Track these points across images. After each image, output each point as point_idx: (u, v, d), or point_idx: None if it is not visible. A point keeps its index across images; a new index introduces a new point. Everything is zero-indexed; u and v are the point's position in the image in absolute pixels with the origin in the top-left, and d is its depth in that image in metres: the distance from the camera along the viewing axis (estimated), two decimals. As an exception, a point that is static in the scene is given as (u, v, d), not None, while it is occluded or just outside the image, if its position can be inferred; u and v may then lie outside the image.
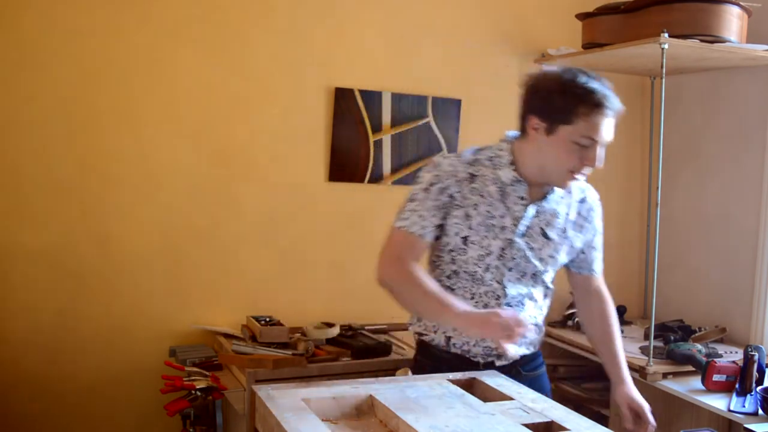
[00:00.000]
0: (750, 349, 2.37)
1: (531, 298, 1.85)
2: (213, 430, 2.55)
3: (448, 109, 3.10)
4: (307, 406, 1.39)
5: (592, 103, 1.67)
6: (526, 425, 1.34)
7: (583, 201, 1.90)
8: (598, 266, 1.98)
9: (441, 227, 1.81)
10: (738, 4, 2.65)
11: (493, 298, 1.81)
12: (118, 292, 2.70)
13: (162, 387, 2.42)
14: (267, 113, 2.86)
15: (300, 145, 2.93)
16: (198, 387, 2.39)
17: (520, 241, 1.80)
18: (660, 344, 2.75)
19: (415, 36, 3.07)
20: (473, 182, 1.79)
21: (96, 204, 2.66)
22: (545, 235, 1.83)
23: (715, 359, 2.47)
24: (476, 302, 1.81)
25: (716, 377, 2.40)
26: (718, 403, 2.32)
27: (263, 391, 1.48)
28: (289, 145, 2.90)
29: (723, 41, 2.64)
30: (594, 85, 1.69)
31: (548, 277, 1.89)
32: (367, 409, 1.43)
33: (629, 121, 3.51)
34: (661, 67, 2.62)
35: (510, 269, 1.81)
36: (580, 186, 1.90)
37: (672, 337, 2.82)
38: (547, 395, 1.76)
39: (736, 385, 2.35)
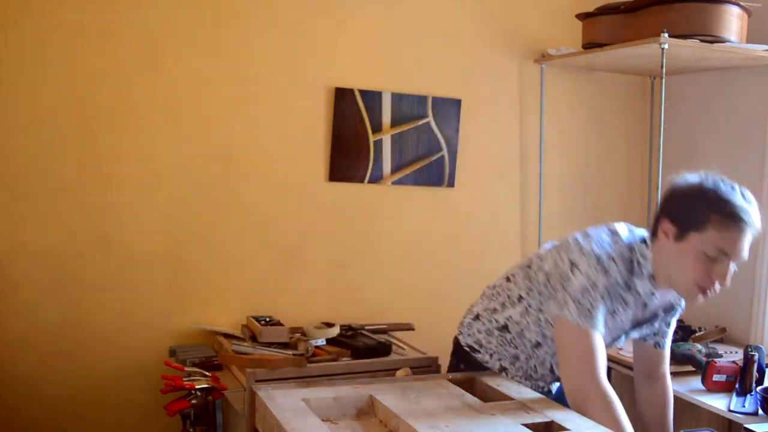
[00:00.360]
0: (750, 349, 2.37)
1: None
2: (213, 430, 2.55)
3: (448, 109, 3.10)
4: (307, 406, 1.39)
5: (728, 213, 1.59)
6: (526, 425, 1.34)
7: None
8: (666, 342, 1.99)
9: None
10: (738, 4, 2.65)
11: (547, 369, 1.89)
12: (118, 292, 2.70)
13: (162, 387, 2.41)
14: (267, 113, 2.86)
15: (300, 145, 2.93)
16: (198, 387, 2.39)
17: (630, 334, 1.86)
18: (660, 344, 2.74)
19: (415, 36, 3.07)
20: (628, 290, 1.73)
21: (96, 204, 2.66)
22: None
23: (715, 359, 2.47)
24: (552, 359, 1.84)
25: (716, 377, 2.40)
26: (718, 403, 2.32)
27: (263, 391, 1.48)
28: (289, 145, 2.90)
29: (723, 41, 2.64)
30: (734, 196, 1.61)
31: None
32: (367, 409, 1.43)
33: (629, 121, 3.51)
34: (661, 67, 2.62)
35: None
36: None
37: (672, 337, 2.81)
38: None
39: (736, 385, 2.35)
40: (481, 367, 1.88)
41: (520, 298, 1.83)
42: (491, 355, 1.87)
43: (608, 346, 1.77)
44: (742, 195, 1.63)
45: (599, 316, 1.63)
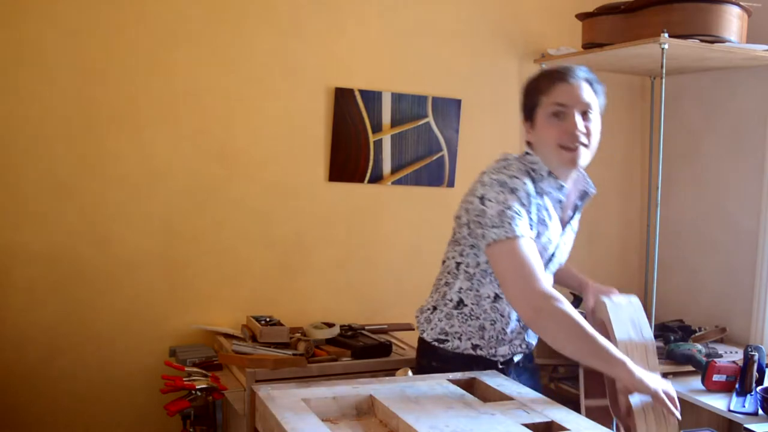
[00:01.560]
0: (750, 349, 2.37)
1: None
2: (213, 430, 2.55)
3: (448, 109, 3.10)
4: (307, 406, 1.39)
5: (550, 74, 1.77)
6: (526, 425, 1.34)
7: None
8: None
9: None
10: (738, 4, 2.65)
11: (515, 323, 1.87)
12: (118, 292, 2.70)
13: (162, 387, 2.41)
14: (267, 113, 2.86)
15: (300, 145, 2.92)
16: (198, 387, 2.39)
17: (565, 234, 1.88)
18: (660, 344, 2.75)
19: (415, 36, 3.07)
20: (538, 195, 1.79)
21: (96, 204, 2.66)
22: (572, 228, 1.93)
23: (715, 359, 2.47)
24: (494, 321, 1.85)
25: (716, 377, 2.40)
26: (718, 403, 2.32)
27: (263, 391, 1.48)
28: (289, 145, 2.90)
29: (723, 41, 2.64)
30: (553, 67, 1.80)
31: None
32: (367, 409, 1.43)
33: (629, 121, 3.51)
34: (661, 67, 2.62)
35: (556, 264, 1.90)
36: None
37: (672, 337, 2.82)
38: (536, 386, 1.86)
39: (736, 385, 2.35)
40: (456, 359, 1.85)
41: (458, 264, 1.85)
42: (459, 338, 1.85)
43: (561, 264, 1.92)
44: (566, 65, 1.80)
45: (520, 223, 1.66)
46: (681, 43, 2.60)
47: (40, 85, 2.56)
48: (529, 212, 1.71)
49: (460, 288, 1.85)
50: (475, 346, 1.85)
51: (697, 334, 2.87)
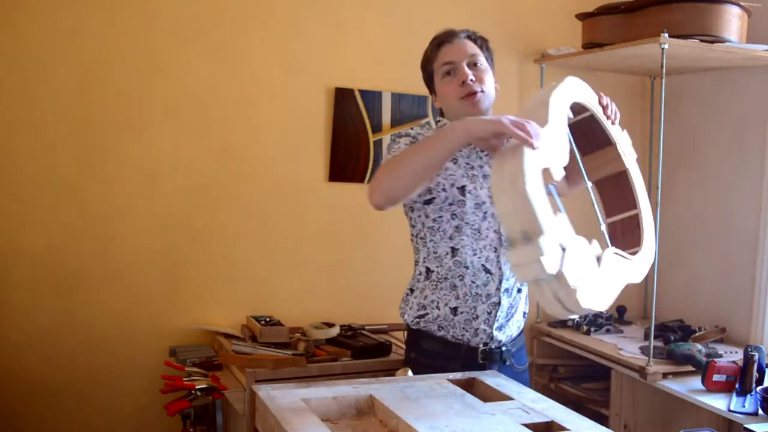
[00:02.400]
0: (750, 349, 2.37)
1: None
2: (213, 430, 2.55)
3: (448, 109, 3.10)
4: (307, 406, 1.39)
5: (436, 43, 1.91)
6: (526, 425, 1.34)
7: None
8: None
9: (428, 190, 1.84)
10: (738, 4, 2.65)
11: (491, 251, 1.85)
12: (118, 292, 2.70)
13: (162, 387, 2.42)
14: (267, 113, 2.86)
15: (300, 145, 2.93)
16: (198, 387, 2.39)
17: None
18: (660, 344, 2.75)
19: (416, 36, 3.05)
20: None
21: (96, 204, 2.66)
22: None
23: (715, 359, 2.47)
24: (478, 257, 1.84)
25: (716, 377, 2.40)
26: (718, 403, 2.32)
27: (263, 391, 1.48)
28: (289, 145, 2.90)
29: (723, 41, 2.64)
30: (438, 33, 1.93)
31: None
32: (367, 409, 1.43)
33: (629, 121, 3.50)
34: (661, 67, 2.62)
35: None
36: None
37: (672, 337, 2.82)
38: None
39: (736, 385, 2.35)
40: (440, 342, 1.87)
41: (414, 237, 1.95)
42: (437, 306, 1.87)
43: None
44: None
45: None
46: (681, 43, 2.60)
47: (40, 85, 2.56)
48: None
49: (423, 258, 1.91)
50: (454, 309, 1.86)
51: (697, 334, 2.87)
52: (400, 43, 3.04)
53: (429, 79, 1.95)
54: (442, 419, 1.33)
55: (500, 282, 1.87)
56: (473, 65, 1.86)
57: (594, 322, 3.06)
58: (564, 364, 3.17)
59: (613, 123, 1.81)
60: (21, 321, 2.59)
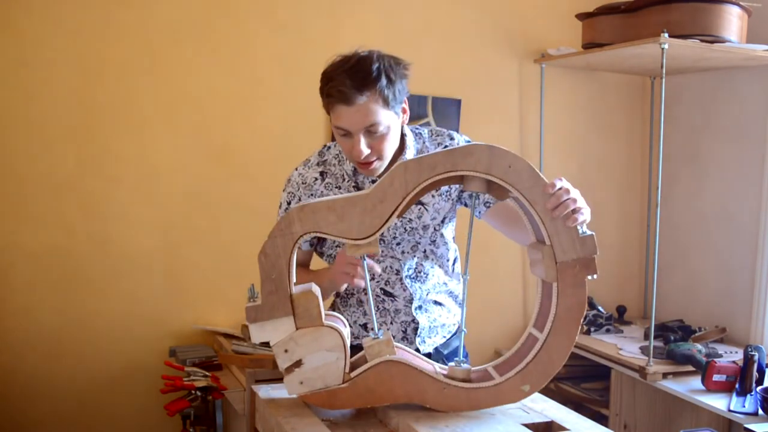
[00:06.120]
0: (750, 349, 2.37)
1: (431, 271, 1.81)
2: (213, 430, 2.55)
3: (448, 109, 3.10)
4: (307, 406, 1.39)
5: (330, 96, 1.58)
6: (526, 425, 1.34)
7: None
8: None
9: (320, 240, 1.78)
10: (738, 4, 2.65)
11: (393, 273, 1.77)
12: (118, 292, 2.70)
13: (162, 387, 2.42)
14: (267, 113, 2.86)
15: (300, 145, 2.92)
16: (198, 387, 2.39)
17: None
18: (660, 344, 2.75)
19: (415, 36, 3.07)
20: (325, 179, 1.75)
21: (96, 204, 2.66)
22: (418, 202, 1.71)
23: (715, 359, 2.47)
24: (376, 282, 1.77)
25: (716, 377, 2.40)
26: (718, 403, 2.32)
27: (263, 391, 1.49)
28: (289, 145, 2.90)
29: (723, 41, 2.64)
30: (336, 70, 1.60)
31: (445, 251, 1.84)
32: (367, 408, 1.43)
33: (629, 121, 3.51)
34: (661, 67, 2.62)
35: (398, 243, 1.76)
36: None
37: (672, 337, 2.82)
38: None
39: (736, 385, 2.35)
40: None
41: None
42: (353, 325, 1.81)
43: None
44: (354, 62, 1.60)
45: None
46: (681, 43, 2.60)
47: (41, 85, 2.57)
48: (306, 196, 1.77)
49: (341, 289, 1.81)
50: (364, 326, 1.80)
51: (697, 334, 2.87)
52: (400, 43, 3.04)
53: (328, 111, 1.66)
54: (442, 419, 1.33)
55: (410, 302, 1.79)
56: (370, 132, 1.59)
57: (594, 322, 3.06)
58: (564, 363, 3.16)
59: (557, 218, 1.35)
60: (21, 321, 2.59)
